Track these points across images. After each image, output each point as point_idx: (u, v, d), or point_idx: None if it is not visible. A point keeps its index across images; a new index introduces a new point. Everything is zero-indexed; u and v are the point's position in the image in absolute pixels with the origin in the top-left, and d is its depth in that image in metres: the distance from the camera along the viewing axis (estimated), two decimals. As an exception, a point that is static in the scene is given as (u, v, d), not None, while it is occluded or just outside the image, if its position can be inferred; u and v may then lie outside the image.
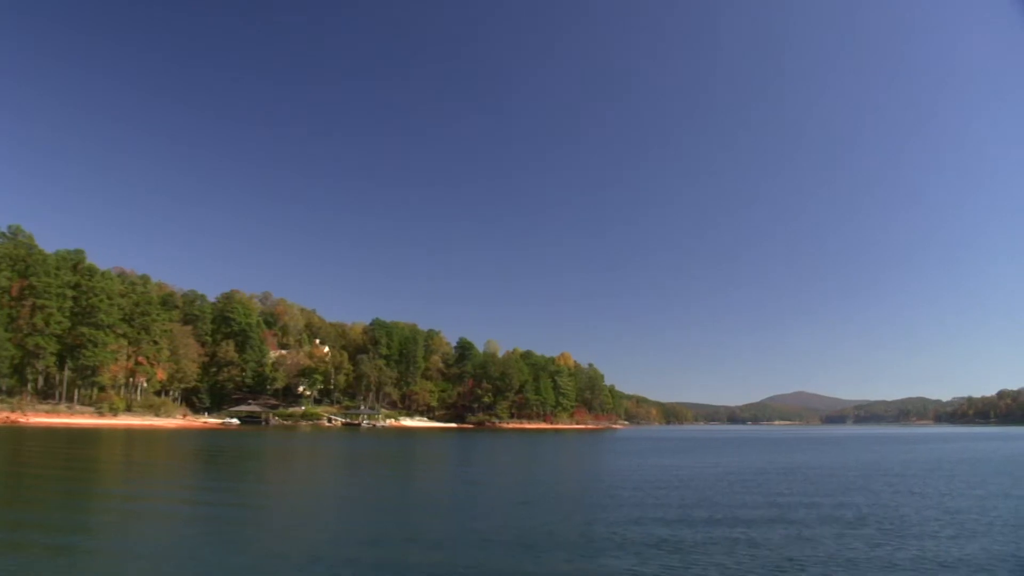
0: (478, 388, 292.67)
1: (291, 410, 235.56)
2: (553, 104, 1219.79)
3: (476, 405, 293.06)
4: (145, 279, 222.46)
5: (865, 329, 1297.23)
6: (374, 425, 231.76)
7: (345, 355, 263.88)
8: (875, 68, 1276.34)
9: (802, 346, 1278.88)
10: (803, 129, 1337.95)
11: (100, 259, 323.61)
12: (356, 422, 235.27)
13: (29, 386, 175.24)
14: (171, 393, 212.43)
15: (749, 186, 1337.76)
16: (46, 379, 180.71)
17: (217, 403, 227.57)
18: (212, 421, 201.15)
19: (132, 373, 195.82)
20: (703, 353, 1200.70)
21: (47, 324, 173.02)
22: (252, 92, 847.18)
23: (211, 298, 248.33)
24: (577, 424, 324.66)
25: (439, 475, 57.90)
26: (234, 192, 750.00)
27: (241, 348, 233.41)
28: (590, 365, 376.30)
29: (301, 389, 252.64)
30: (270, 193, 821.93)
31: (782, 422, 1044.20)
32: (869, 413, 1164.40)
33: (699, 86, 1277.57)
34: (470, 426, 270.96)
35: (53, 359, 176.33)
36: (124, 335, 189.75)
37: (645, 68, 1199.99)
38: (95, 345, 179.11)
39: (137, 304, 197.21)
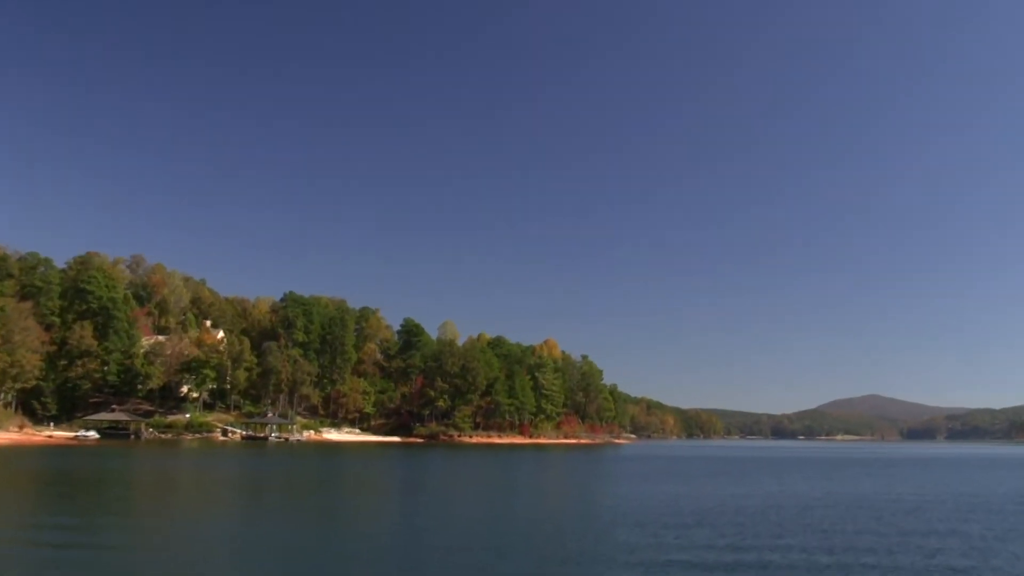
0: (429, 388, 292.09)
1: (172, 418, 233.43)
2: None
3: (427, 411, 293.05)
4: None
5: (963, 318, 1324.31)
6: (286, 439, 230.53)
7: (247, 342, 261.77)
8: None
9: (875, 336, 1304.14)
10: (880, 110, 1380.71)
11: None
12: (262, 435, 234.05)
13: None
14: (1, 396, 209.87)
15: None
16: None
17: (68, 410, 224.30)
18: (60, 434, 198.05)
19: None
20: (736, 344, 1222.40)
21: None
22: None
23: (60, 264, 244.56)
24: (565, 438, 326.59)
25: (372, 511, 57.60)
26: (97, 129, 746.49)
27: (102, 333, 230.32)
28: (584, 358, 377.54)
29: (185, 390, 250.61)
30: (142, 130, 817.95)
31: (847, 437, 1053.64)
32: (967, 426, 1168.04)
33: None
34: (419, 440, 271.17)
35: None
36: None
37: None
38: None
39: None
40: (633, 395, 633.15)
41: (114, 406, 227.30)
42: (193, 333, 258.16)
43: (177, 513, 54.15)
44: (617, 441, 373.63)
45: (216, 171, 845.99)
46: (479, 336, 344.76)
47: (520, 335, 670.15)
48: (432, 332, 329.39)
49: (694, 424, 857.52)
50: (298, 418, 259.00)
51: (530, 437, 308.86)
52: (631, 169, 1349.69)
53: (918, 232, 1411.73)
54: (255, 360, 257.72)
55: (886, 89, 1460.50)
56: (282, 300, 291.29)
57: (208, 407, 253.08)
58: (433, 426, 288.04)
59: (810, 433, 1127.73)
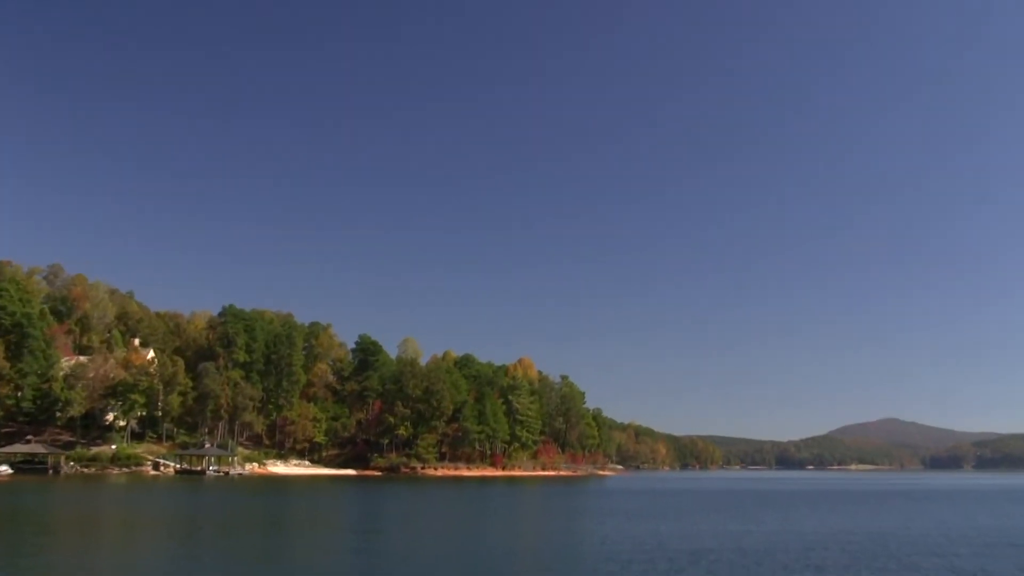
0: (389, 414, 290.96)
1: (95, 450, 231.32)
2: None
3: (386, 440, 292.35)
4: None
5: (993, 334, 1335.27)
6: (226, 473, 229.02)
7: (181, 363, 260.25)
8: None
9: (893, 354, 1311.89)
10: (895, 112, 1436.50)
11: None
12: (198, 468, 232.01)
13: None
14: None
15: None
16: None
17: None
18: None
19: None
20: (736, 364, 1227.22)
21: None
22: None
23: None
24: (543, 469, 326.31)
25: (320, 555, 57.26)
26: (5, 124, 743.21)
27: (15, 353, 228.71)
28: (563, 379, 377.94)
29: (111, 417, 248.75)
30: (57, 128, 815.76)
31: (862, 466, 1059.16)
32: (998, 453, 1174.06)
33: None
34: (377, 473, 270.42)
35: None
36: None
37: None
38: None
39: None
40: (620, 421, 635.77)
41: (29, 436, 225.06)
42: (120, 353, 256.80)
43: (99, 558, 53.68)
44: (602, 472, 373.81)
45: (143, 172, 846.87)
46: (444, 355, 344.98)
47: (491, 354, 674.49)
48: (391, 350, 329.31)
49: (689, 453, 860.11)
50: (240, 449, 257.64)
51: (503, 469, 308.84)
52: (618, 172, 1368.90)
53: (938, 238, 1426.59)
54: (190, 383, 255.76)
55: (903, 89, 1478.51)
56: (220, 315, 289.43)
57: (137, 437, 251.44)
58: (393, 457, 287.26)
59: (820, 462, 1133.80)
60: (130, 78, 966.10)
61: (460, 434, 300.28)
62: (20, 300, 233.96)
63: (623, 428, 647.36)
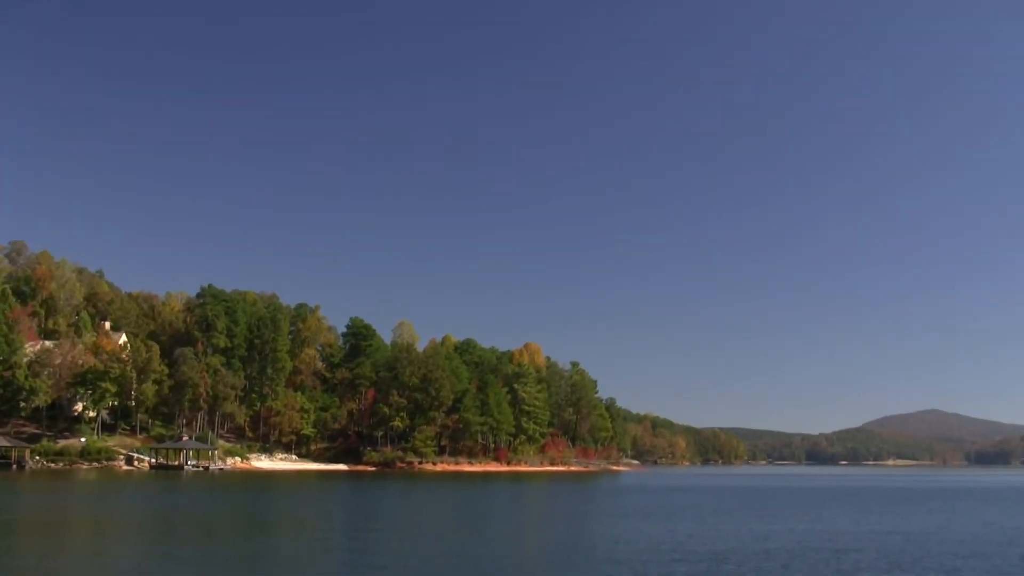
0: (383, 404, 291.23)
1: (63, 444, 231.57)
2: None
3: (380, 433, 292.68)
4: None
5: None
6: (205, 468, 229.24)
7: (156, 348, 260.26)
8: None
9: (934, 340, 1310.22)
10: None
11: None
12: (175, 463, 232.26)
13: None
14: None
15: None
16: None
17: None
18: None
19: None
20: (761, 351, 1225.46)
21: None
22: None
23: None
24: (551, 464, 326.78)
25: (306, 559, 57.23)
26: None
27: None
28: (573, 366, 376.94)
29: (80, 408, 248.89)
30: (17, 97, 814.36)
31: (900, 462, 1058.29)
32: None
33: None
34: (370, 468, 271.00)
35: None
36: None
37: None
38: None
39: None
40: (635, 412, 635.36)
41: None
42: (89, 338, 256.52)
43: (66, 562, 53.67)
44: (615, 468, 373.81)
45: (114, 145, 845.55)
46: (444, 340, 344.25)
47: (494, 339, 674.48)
48: (386, 335, 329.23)
49: (710, 447, 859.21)
50: (220, 442, 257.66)
51: (508, 463, 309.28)
52: (637, 149, 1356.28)
53: (986, 216, 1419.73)
54: (166, 371, 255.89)
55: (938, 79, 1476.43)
56: (199, 296, 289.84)
57: (109, 429, 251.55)
58: (388, 451, 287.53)
59: (854, 457, 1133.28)
60: (106, 50, 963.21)
61: (461, 426, 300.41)
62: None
63: (639, 420, 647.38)
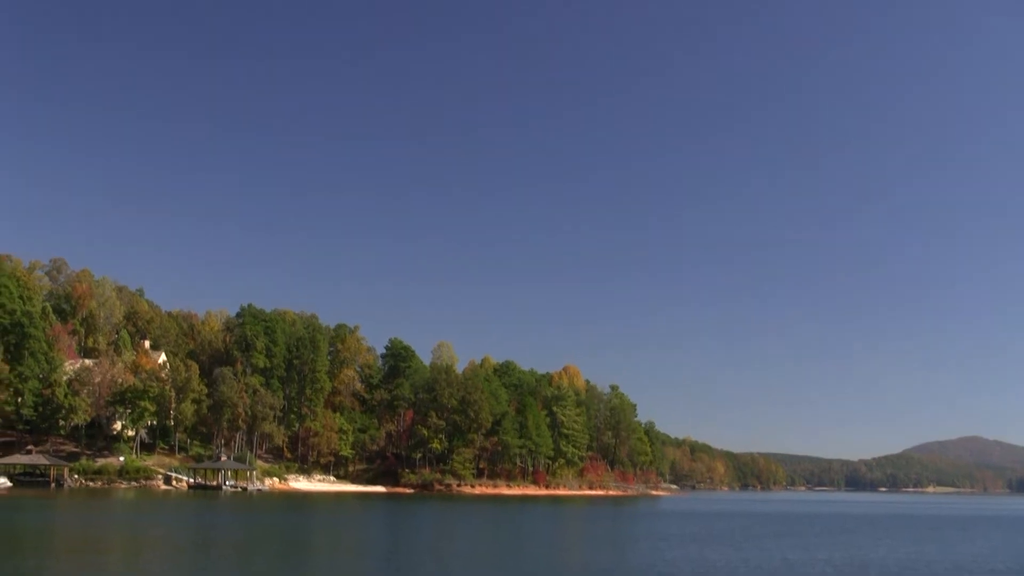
0: (421, 425, 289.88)
1: (102, 462, 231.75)
2: None
3: (418, 455, 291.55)
4: None
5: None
6: (244, 488, 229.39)
7: (195, 368, 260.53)
8: None
9: (975, 366, 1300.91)
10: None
11: None
12: (213, 483, 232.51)
13: None
14: None
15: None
16: None
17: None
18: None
19: None
20: (801, 376, 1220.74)
21: None
22: None
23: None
24: (590, 488, 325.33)
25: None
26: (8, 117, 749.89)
27: (14, 356, 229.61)
28: (613, 389, 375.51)
29: (119, 426, 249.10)
30: (60, 121, 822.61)
31: (940, 488, 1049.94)
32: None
33: None
34: (408, 490, 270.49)
35: None
36: None
37: None
38: None
39: None
40: (674, 436, 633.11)
41: (30, 447, 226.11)
42: (128, 356, 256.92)
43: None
44: (654, 492, 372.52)
45: (155, 166, 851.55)
46: (483, 361, 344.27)
47: (534, 361, 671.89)
48: (424, 356, 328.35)
49: (749, 472, 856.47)
50: (258, 462, 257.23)
51: (546, 487, 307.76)
52: (678, 167, 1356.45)
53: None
54: (205, 390, 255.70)
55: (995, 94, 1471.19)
56: (238, 315, 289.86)
57: (147, 448, 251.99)
58: (425, 473, 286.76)
59: (894, 483, 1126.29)
60: (142, 75, 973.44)
61: (499, 448, 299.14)
62: (20, 298, 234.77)
63: (677, 444, 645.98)
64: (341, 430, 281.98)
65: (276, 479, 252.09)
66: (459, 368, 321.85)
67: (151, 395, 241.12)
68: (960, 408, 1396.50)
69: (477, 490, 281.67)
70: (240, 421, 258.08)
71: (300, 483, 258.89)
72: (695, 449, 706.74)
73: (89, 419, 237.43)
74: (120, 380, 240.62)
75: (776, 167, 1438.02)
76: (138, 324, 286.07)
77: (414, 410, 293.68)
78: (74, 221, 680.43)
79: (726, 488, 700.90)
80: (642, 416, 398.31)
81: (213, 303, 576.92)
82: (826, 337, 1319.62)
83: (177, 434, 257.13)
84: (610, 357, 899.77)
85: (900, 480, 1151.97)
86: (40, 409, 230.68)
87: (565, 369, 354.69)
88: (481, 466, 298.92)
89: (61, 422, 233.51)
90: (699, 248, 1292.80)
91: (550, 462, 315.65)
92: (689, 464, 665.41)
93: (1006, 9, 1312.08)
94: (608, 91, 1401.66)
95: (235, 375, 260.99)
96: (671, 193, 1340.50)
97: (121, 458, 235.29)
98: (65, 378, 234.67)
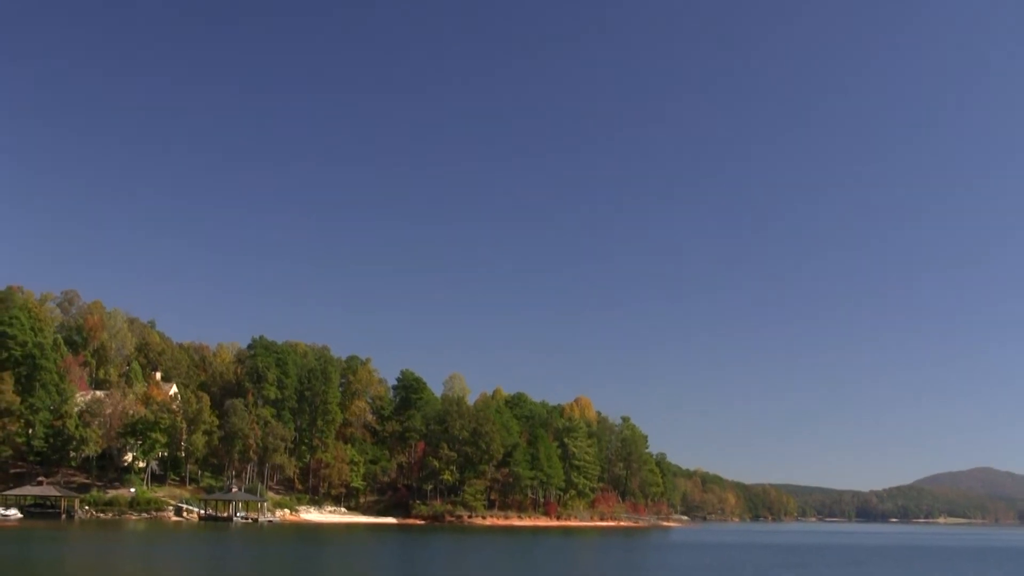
0: (433, 457, 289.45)
1: (112, 494, 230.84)
2: None
3: (430, 486, 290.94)
4: None
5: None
6: (255, 520, 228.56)
7: (206, 399, 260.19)
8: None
9: (986, 397, 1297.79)
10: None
11: None
12: (224, 515, 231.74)
13: None
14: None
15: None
16: None
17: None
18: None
19: None
20: (812, 408, 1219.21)
21: None
22: None
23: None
24: (601, 519, 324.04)
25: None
26: (18, 149, 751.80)
27: (26, 387, 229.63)
28: (624, 421, 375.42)
29: (130, 458, 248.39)
30: (71, 154, 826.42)
31: (951, 519, 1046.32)
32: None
33: None
34: (419, 522, 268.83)
35: None
36: None
37: None
38: None
39: None
40: (685, 467, 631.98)
41: (41, 478, 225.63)
42: (139, 388, 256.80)
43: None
44: (665, 523, 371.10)
45: (166, 197, 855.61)
46: (494, 393, 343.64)
47: (545, 393, 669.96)
48: (436, 388, 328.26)
49: (760, 503, 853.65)
50: (269, 494, 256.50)
51: (558, 518, 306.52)
52: (685, 204, 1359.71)
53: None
54: (216, 421, 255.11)
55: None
56: (249, 347, 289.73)
57: (158, 480, 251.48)
58: (437, 504, 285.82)
59: (905, 515, 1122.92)
60: (154, 99, 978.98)
61: (511, 480, 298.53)
62: (32, 329, 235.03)
63: (688, 475, 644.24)
64: (352, 461, 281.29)
65: (287, 511, 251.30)
66: (471, 400, 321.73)
67: (162, 427, 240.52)
68: (971, 439, 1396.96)
69: (488, 521, 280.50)
70: (251, 453, 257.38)
71: (311, 515, 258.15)
72: (706, 480, 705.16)
73: (100, 450, 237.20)
74: (131, 412, 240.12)
75: (786, 199, 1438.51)
76: (149, 356, 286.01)
77: (425, 441, 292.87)
78: (86, 253, 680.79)
79: (737, 519, 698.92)
80: (653, 447, 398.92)
81: (225, 335, 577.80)
82: (837, 368, 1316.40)
83: (188, 465, 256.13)
84: (623, 389, 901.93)
85: (911, 511, 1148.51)
86: (51, 440, 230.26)
87: (577, 400, 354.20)
88: (492, 497, 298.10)
89: (72, 453, 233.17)
90: (709, 277, 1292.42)
91: (561, 493, 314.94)
92: (700, 495, 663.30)
93: None
94: (621, 124, 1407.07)
95: (246, 407, 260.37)
96: (680, 231, 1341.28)
97: (132, 489, 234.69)
98: (76, 409, 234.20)
